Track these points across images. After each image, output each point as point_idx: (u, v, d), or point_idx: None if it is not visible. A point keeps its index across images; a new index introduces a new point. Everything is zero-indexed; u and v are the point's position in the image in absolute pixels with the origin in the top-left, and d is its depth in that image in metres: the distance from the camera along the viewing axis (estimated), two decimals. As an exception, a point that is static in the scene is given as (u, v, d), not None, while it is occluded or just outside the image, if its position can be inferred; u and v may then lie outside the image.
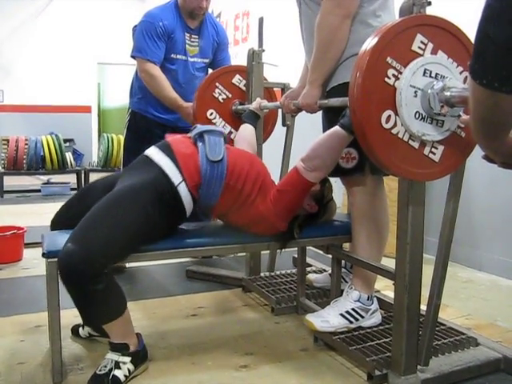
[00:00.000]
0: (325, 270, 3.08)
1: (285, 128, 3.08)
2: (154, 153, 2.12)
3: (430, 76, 1.63)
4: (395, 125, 1.63)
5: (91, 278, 1.78)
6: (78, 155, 10.23)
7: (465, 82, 1.68)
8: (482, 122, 0.90)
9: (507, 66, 0.75)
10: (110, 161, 7.26)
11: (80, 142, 10.60)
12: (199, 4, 3.26)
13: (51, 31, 10.17)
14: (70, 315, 2.21)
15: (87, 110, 10.83)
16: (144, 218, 1.92)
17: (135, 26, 3.41)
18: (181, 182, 2.01)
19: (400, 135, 1.64)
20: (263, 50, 3.00)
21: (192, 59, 3.40)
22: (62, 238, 1.91)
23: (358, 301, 2.25)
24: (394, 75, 1.62)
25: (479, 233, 3.61)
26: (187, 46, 3.38)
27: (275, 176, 2.59)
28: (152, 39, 3.24)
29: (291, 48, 4.09)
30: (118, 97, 11.45)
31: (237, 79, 3.09)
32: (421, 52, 1.64)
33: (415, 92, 1.62)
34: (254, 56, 2.98)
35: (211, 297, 2.92)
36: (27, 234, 3.74)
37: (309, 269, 3.08)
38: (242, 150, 2.38)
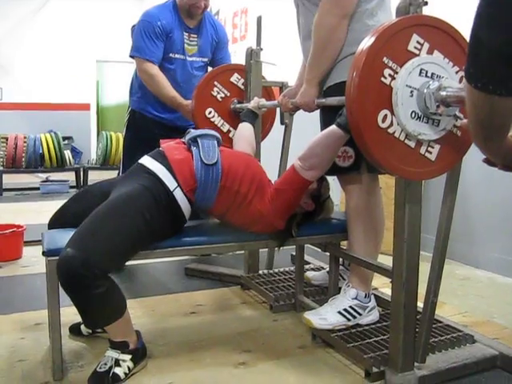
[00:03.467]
0: (323, 268, 3.09)
1: (283, 126, 3.10)
2: (148, 161, 2.15)
3: (426, 76, 1.65)
4: (391, 124, 1.64)
5: (91, 283, 1.79)
6: (76, 153, 10.21)
7: (461, 81, 1.69)
8: (479, 124, 0.92)
9: (500, 69, 0.77)
10: (109, 159, 7.28)
11: (79, 140, 10.59)
12: (197, 3, 3.26)
13: (50, 29, 10.15)
14: (70, 313, 2.22)
15: (86, 107, 10.83)
16: (142, 223, 1.94)
17: (134, 26, 3.42)
18: (176, 188, 2.04)
19: (396, 135, 1.66)
20: (261, 49, 3.01)
21: (190, 58, 3.41)
22: (61, 237, 1.94)
23: (356, 298, 2.26)
24: (390, 75, 1.63)
25: (477, 230, 3.63)
26: (186, 45, 3.38)
27: (273, 174, 2.61)
28: (150, 39, 3.25)
29: (290, 46, 4.10)
30: (117, 94, 11.45)
31: (235, 78, 3.10)
32: (417, 52, 1.65)
33: (411, 92, 1.64)
34: (253, 55, 2.99)
35: (210, 294, 2.94)
36: (26, 231, 3.76)
37: (307, 266, 3.10)
38: (236, 151, 2.40)
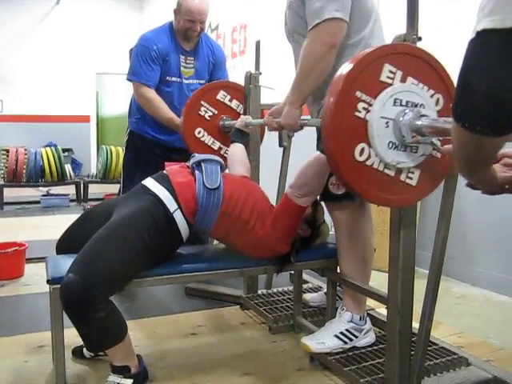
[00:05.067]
0: (321, 288, 3.14)
1: (281, 149, 3.14)
2: (150, 183, 2.21)
3: (401, 104, 1.63)
4: (369, 156, 1.64)
5: (92, 307, 1.85)
6: (76, 164, 10.28)
7: (437, 104, 1.70)
8: (464, 159, 0.96)
9: (488, 112, 0.80)
10: (109, 172, 7.31)
11: (78, 152, 10.66)
12: (192, 27, 3.33)
13: (49, 41, 10.24)
14: (73, 335, 2.25)
15: (86, 119, 10.90)
16: (141, 245, 2.00)
17: (131, 49, 3.48)
18: (176, 210, 2.10)
19: (375, 166, 1.66)
20: (260, 73, 3.07)
21: (187, 81, 3.47)
22: (65, 264, 1.98)
23: (351, 321, 2.31)
24: (364, 108, 1.62)
25: (473, 248, 3.67)
26: (182, 68, 3.45)
27: (272, 196, 2.65)
28: (146, 63, 3.34)
29: (289, 66, 4.15)
30: (117, 106, 11.51)
31: (221, 95, 3.15)
32: (390, 81, 1.64)
33: (386, 123, 1.63)
34: (252, 79, 3.04)
35: (210, 315, 2.98)
36: (28, 249, 3.78)
37: (305, 286, 3.14)
38: (239, 177, 2.45)
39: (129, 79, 3.44)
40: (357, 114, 1.62)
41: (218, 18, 7.47)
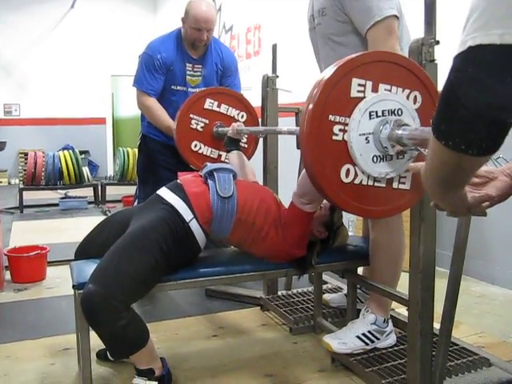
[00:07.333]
0: (340, 288, 3.16)
1: (299, 150, 3.15)
2: (165, 193, 2.24)
3: (377, 116, 1.60)
4: (356, 175, 1.62)
5: (113, 316, 1.89)
6: (93, 166, 10.39)
7: (415, 102, 1.67)
8: (440, 179, 0.92)
9: (478, 131, 0.75)
10: (126, 174, 7.37)
11: (95, 153, 10.78)
12: (200, 36, 3.32)
13: (65, 45, 10.36)
14: (97, 337, 2.30)
15: (102, 121, 10.99)
16: (160, 254, 2.02)
17: (140, 56, 3.52)
18: (192, 219, 2.12)
19: (364, 183, 1.64)
20: (277, 76, 3.08)
21: (193, 89, 3.43)
22: (89, 269, 2.02)
23: (374, 323, 2.33)
24: (340, 130, 1.59)
25: (492, 246, 3.67)
26: (188, 77, 3.45)
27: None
28: (150, 72, 3.37)
29: (304, 66, 4.16)
30: (132, 107, 11.58)
31: (208, 103, 3.14)
32: (361, 95, 1.60)
33: (366, 138, 1.59)
34: (269, 82, 3.06)
35: (231, 316, 3.01)
36: (49, 252, 3.83)
37: (324, 286, 3.16)
38: (252, 183, 2.48)
39: (133, 85, 3.50)
40: (334, 137, 1.59)
41: (232, 19, 7.51)
